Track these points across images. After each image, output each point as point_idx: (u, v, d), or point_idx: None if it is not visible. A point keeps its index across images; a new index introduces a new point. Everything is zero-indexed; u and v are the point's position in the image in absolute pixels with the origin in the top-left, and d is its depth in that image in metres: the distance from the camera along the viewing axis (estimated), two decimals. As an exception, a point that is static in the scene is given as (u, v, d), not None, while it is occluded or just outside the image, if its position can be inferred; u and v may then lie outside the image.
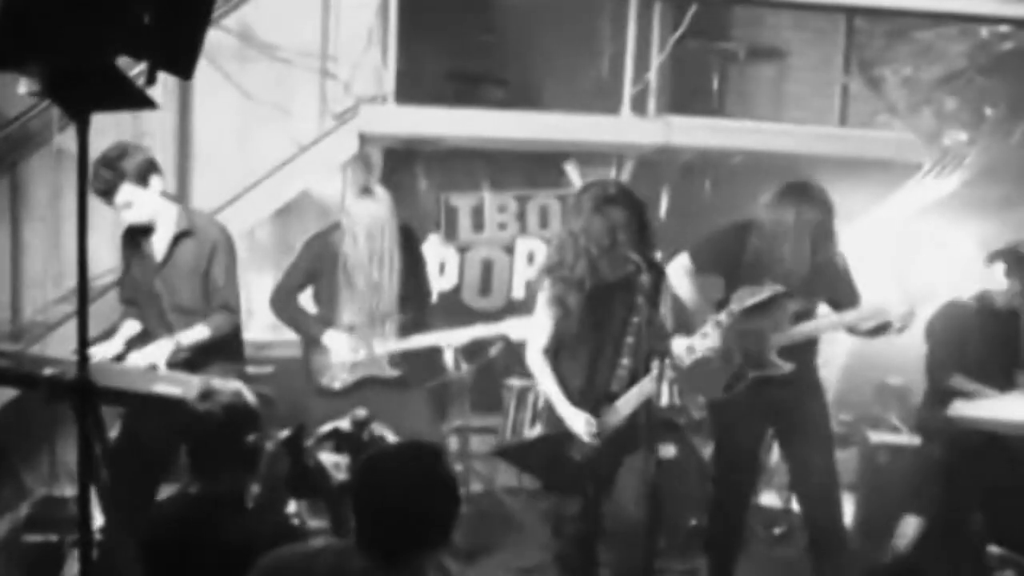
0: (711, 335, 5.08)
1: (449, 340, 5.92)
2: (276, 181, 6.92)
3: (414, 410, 5.87)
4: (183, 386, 4.70)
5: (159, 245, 5.46)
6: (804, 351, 5.51)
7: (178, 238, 5.42)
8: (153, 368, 5.12)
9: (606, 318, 4.88)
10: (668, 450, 6.52)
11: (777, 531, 7.08)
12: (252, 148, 6.97)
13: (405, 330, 5.87)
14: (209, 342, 5.39)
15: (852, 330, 5.63)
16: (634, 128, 7.43)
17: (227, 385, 4.92)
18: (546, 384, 4.93)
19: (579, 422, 4.85)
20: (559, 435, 4.89)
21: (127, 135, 6.48)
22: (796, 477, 5.72)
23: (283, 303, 5.95)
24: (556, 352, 4.98)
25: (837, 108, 8.10)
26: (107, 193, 5.21)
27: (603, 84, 7.79)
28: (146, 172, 5.28)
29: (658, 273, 4.68)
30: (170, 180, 6.70)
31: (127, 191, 5.24)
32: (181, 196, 6.87)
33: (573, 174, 8.01)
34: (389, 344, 5.82)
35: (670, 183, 8.17)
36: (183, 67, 3.61)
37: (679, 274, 5.50)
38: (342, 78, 7.04)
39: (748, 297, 5.20)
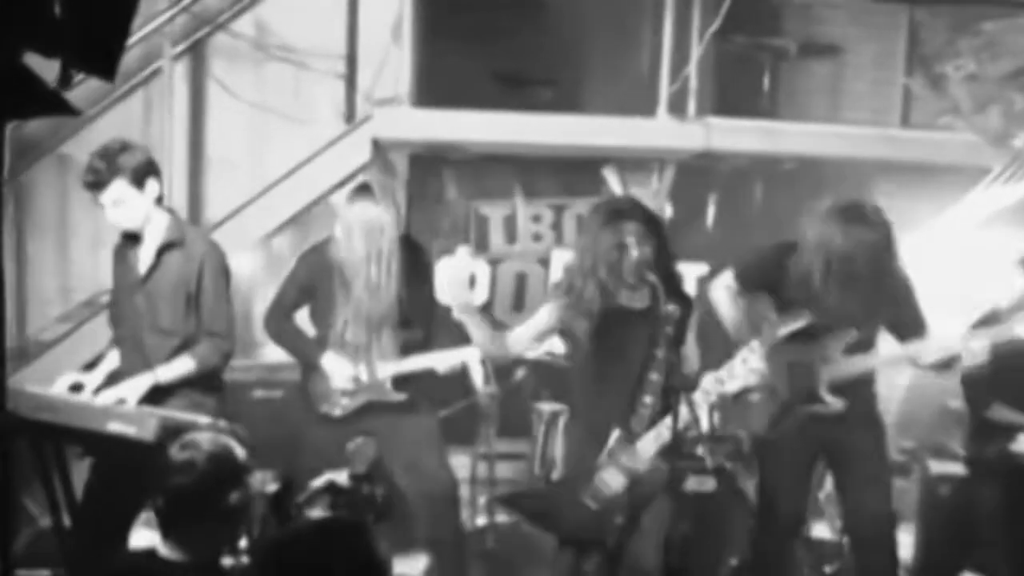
0: (741, 368, 4.67)
1: (455, 360, 5.55)
2: (288, 187, 6.82)
3: (421, 438, 5.58)
4: (138, 425, 4.31)
5: (144, 256, 5.15)
6: (860, 384, 5.22)
7: (164, 249, 5.10)
8: (120, 403, 4.80)
9: (623, 350, 4.68)
10: (706, 483, 6.08)
11: (829, 569, 6.58)
12: (268, 153, 6.99)
13: (409, 349, 5.57)
14: (194, 376, 5.04)
15: (915, 363, 5.29)
16: (670, 131, 7.22)
17: (198, 420, 4.51)
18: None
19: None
20: (573, 481, 4.72)
21: (135, 139, 6.44)
22: (849, 520, 5.46)
23: (277, 323, 5.65)
24: (580, 391, 4.87)
25: (898, 108, 7.94)
26: (97, 186, 4.95)
27: (644, 82, 7.56)
28: (144, 173, 5.01)
29: (683, 301, 4.59)
30: (182, 185, 6.91)
31: (119, 188, 4.96)
32: (193, 202, 6.97)
33: (613, 181, 7.73)
34: (392, 366, 5.53)
35: (716, 191, 7.87)
36: (102, 66, 3.16)
37: (721, 294, 5.28)
38: (364, 80, 7.01)
39: (782, 326, 4.83)
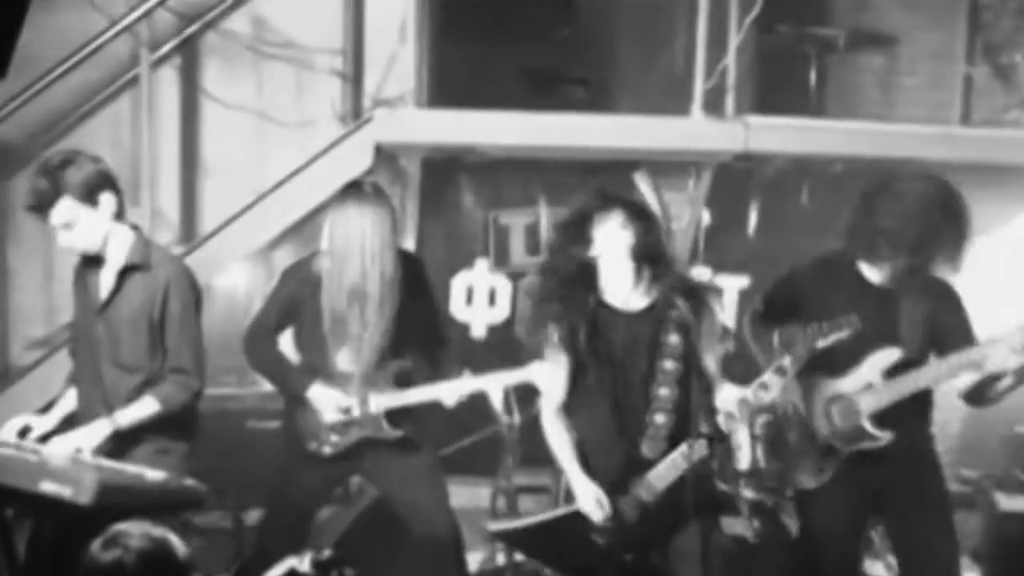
0: (773, 384, 4.32)
1: (457, 391, 5.15)
2: (286, 195, 6.49)
3: (420, 478, 5.20)
4: (74, 485, 3.81)
5: (105, 280, 4.69)
6: (910, 414, 4.78)
7: (125, 272, 4.64)
8: (76, 452, 4.34)
9: (619, 360, 4.40)
10: (740, 525, 5.80)
11: (885, 617, 6.35)
12: (267, 158, 6.73)
13: (404, 379, 5.18)
14: (158, 418, 4.60)
15: (980, 369, 4.74)
16: (705, 132, 6.92)
17: (146, 477, 4.03)
18: (557, 449, 4.52)
19: (588, 499, 4.39)
20: (578, 513, 4.42)
21: (123, 144, 6.47)
22: (906, 571, 5.01)
23: (257, 348, 5.21)
24: (575, 407, 4.53)
25: (958, 104, 7.80)
26: (40, 208, 4.52)
27: (678, 79, 7.29)
28: (95, 188, 4.55)
29: (695, 300, 4.34)
30: (174, 193, 6.72)
31: (67, 208, 4.50)
32: (186, 212, 6.76)
33: (645, 186, 7.38)
34: (389, 398, 5.13)
35: (758, 196, 7.62)
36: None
37: (752, 328, 5.04)
38: (371, 80, 6.77)
39: (818, 338, 4.42)
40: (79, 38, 6.25)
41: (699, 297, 4.37)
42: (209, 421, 5.15)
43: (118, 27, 6.19)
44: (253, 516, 5.91)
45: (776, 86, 7.49)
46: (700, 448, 4.25)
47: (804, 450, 4.79)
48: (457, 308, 7.22)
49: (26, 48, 6.23)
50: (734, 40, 6.81)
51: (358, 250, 4.93)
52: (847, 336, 4.44)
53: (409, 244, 6.53)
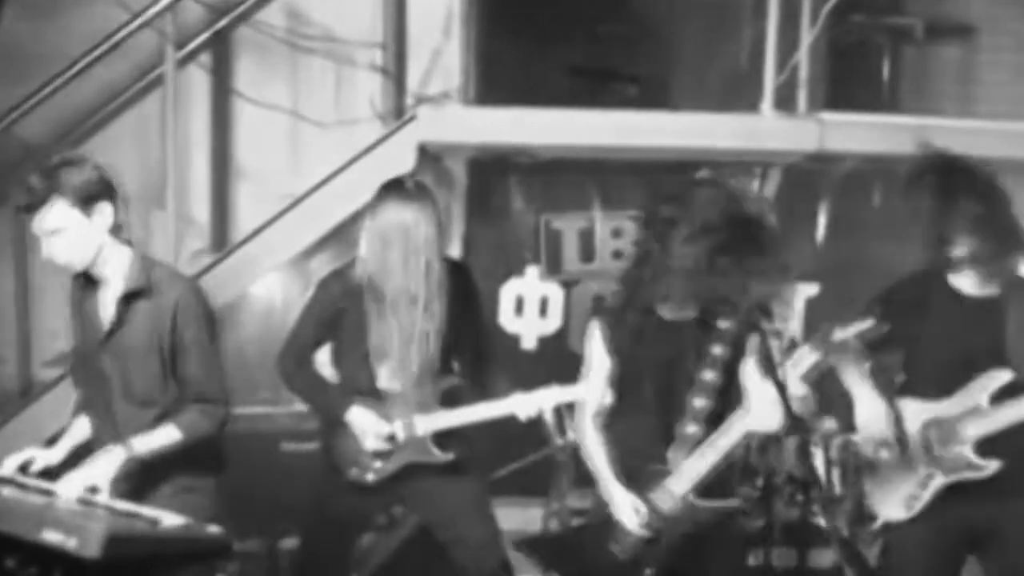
0: (806, 359, 4.28)
1: (505, 410, 4.93)
2: (324, 198, 6.31)
3: (468, 506, 4.98)
4: (79, 536, 3.43)
5: (105, 308, 4.33)
6: (1019, 442, 4.47)
7: (129, 298, 4.27)
8: (92, 492, 3.97)
9: (660, 368, 4.36)
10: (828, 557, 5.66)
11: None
12: (303, 160, 6.62)
13: (452, 398, 4.96)
14: (180, 449, 4.25)
15: None
16: (778, 130, 6.72)
17: (164, 523, 3.61)
18: (593, 459, 4.48)
19: (625, 508, 4.34)
20: (599, 526, 4.41)
21: (152, 147, 6.28)
22: None
23: (293, 367, 4.95)
24: (616, 415, 4.51)
25: None
26: (30, 208, 4.16)
27: (742, 74, 7.21)
28: (93, 195, 4.17)
29: (750, 316, 4.18)
30: (204, 198, 6.64)
31: (59, 211, 4.12)
32: (218, 216, 6.70)
33: None
34: (438, 419, 4.89)
35: (828, 198, 7.39)
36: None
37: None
38: (413, 76, 6.62)
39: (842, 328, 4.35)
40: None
41: (750, 310, 4.24)
42: (241, 442, 4.91)
43: (139, 20, 5.99)
44: (288, 543, 5.75)
45: (846, 80, 7.32)
46: (718, 451, 4.19)
47: (895, 478, 4.54)
48: (506, 319, 7.05)
49: (48, 47, 6.22)
50: (807, 31, 6.63)
51: (400, 249, 4.72)
52: (870, 329, 4.35)
53: (455, 251, 6.35)
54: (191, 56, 6.41)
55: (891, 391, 4.57)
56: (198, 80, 6.54)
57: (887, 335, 4.57)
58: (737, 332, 4.27)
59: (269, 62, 6.53)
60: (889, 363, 4.72)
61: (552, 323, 7.30)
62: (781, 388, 4.06)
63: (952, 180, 4.47)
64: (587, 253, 7.30)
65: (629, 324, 4.38)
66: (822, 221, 7.41)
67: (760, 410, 4.23)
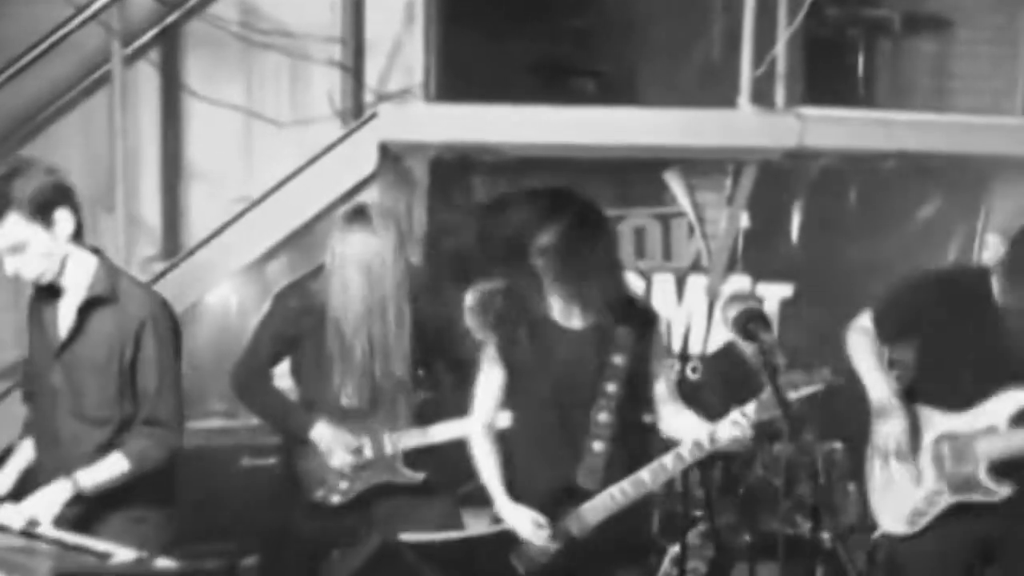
0: (730, 432, 4.08)
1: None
2: (281, 200, 6.14)
3: (439, 527, 4.76)
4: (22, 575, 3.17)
5: (64, 316, 4.07)
6: None
7: (89, 306, 4.01)
8: (31, 525, 3.72)
9: (558, 380, 4.14)
10: None
11: None
12: (258, 160, 6.46)
13: (428, 413, 4.87)
14: (128, 479, 4.00)
15: None
16: (756, 126, 6.55)
17: (115, 559, 3.37)
18: (483, 470, 4.24)
19: (523, 522, 4.10)
20: (503, 535, 4.15)
21: (99, 147, 6.10)
22: None
23: (250, 384, 4.84)
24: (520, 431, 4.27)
25: (1022, 93, 7.38)
26: None
27: (714, 68, 7.09)
28: (49, 203, 3.91)
29: (642, 318, 4.12)
30: (155, 200, 6.47)
31: (14, 226, 3.87)
32: (170, 219, 6.53)
33: (677, 187, 7.24)
34: (409, 437, 4.79)
35: (802, 197, 7.39)
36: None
37: (858, 340, 4.58)
38: (372, 72, 6.45)
39: (790, 391, 4.06)
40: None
41: (646, 317, 4.17)
42: (197, 458, 4.82)
43: (85, 14, 5.75)
44: (249, 562, 5.45)
45: (820, 74, 7.17)
46: (639, 486, 4.02)
47: (901, 490, 4.39)
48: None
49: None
50: (785, 23, 6.48)
51: (368, 279, 4.68)
52: (820, 391, 4.11)
53: (416, 255, 6.20)
54: (140, 52, 6.21)
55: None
56: (147, 77, 6.35)
57: (910, 325, 4.48)
58: (634, 339, 4.10)
59: (222, 58, 6.36)
60: (904, 359, 4.67)
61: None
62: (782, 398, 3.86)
63: None
64: (555, 254, 7.18)
65: (520, 334, 4.19)
66: (796, 220, 7.39)
67: (684, 436, 4.11)
